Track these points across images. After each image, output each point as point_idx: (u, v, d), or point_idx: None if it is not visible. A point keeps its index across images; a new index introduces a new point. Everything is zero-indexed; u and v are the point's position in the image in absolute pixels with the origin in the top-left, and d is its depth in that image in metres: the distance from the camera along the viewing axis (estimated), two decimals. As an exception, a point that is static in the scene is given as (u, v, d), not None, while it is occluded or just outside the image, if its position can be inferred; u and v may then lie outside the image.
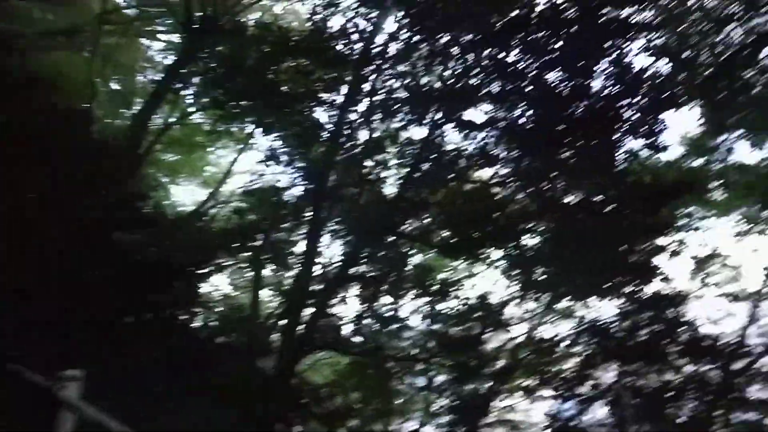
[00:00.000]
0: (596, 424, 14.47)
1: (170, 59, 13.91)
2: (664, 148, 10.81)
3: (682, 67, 10.03)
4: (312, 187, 12.02)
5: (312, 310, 11.54)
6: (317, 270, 12.10)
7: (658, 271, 12.11)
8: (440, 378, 15.14)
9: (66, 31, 11.78)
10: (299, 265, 12.41)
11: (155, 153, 13.83)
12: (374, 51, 11.12)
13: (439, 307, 13.60)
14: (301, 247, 12.50)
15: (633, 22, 9.64)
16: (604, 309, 13.03)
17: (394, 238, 12.53)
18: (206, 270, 12.14)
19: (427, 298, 13.46)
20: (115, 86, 14.93)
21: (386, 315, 13.04)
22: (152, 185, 12.05)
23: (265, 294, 13.85)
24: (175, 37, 13.90)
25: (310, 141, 11.42)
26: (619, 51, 9.97)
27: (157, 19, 14.71)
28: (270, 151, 11.75)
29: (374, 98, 11.31)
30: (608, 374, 13.38)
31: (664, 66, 10.15)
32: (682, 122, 11.83)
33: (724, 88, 10.32)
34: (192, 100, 12.59)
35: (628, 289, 12.27)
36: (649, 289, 12.23)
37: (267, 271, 13.32)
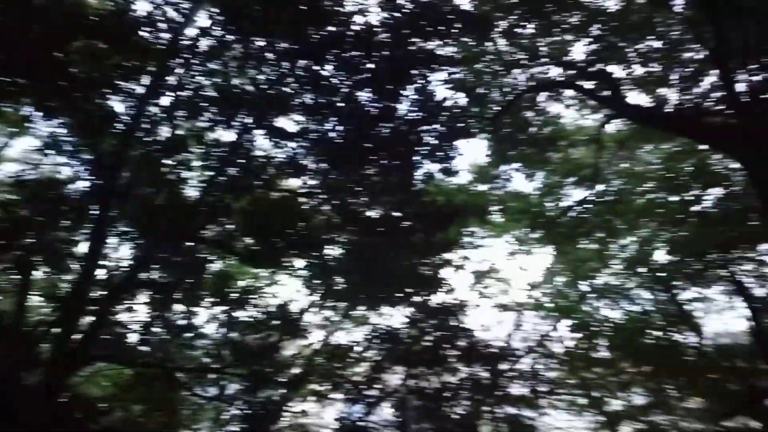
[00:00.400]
0: (382, 424, 15.24)
1: None
2: (456, 173, 11.83)
3: (474, 102, 11.07)
4: (99, 183, 10.87)
5: (91, 318, 10.44)
6: (100, 274, 10.98)
7: (443, 283, 13.25)
8: (233, 387, 14.70)
9: None
10: (79, 268, 11.15)
11: None
12: (183, 44, 10.47)
13: (236, 315, 13.22)
14: (83, 248, 11.22)
15: (437, 55, 10.40)
16: (396, 317, 13.81)
17: (192, 243, 11.88)
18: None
19: (225, 307, 13.00)
20: None
21: (177, 324, 12.29)
22: None
23: (35, 300, 12.13)
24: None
25: (100, 131, 10.29)
26: (423, 80, 10.68)
27: None
28: (50, 139, 10.35)
29: (179, 93, 10.64)
30: (395, 378, 14.19)
31: (460, 98, 11.09)
32: (472, 151, 13.08)
33: (507, 125, 11.64)
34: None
35: (416, 299, 13.21)
36: (435, 299, 13.29)
37: (39, 274, 11.67)
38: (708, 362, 13.92)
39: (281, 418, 15.48)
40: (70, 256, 11.64)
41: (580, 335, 14.76)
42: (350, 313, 14.35)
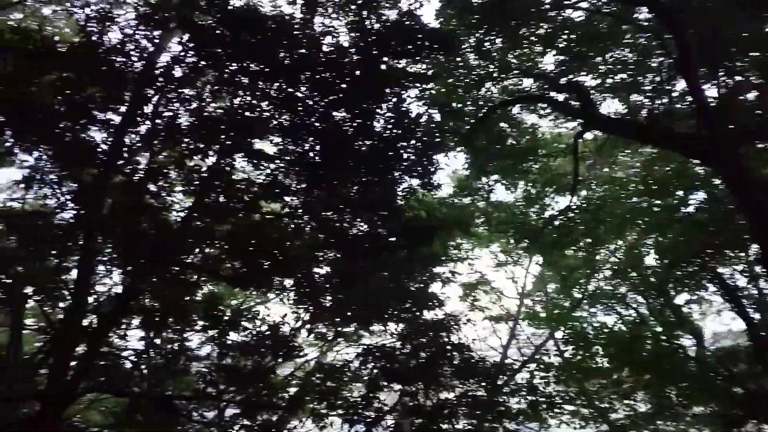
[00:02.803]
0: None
1: None
2: (438, 187, 11.89)
3: (449, 116, 11.18)
4: (83, 212, 11.02)
5: (85, 347, 10.53)
6: (91, 303, 11.09)
7: (433, 298, 13.22)
8: (230, 411, 14.65)
9: None
10: (69, 298, 11.27)
11: None
12: (156, 72, 10.66)
13: (228, 338, 13.23)
14: (71, 278, 11.35)
15: (408, 72, 10.54)
16: (387, 334, 13.75)
17: (179, 268, 11.96)
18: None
19: (215, 330, 13.02)
20: None
21: (170, 350, 12.31)
22: None
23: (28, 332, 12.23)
24: None
25: (80, 162, 10.45)
26: (396, 97, 10.80)
27: None
28: (32, 171, 10.53)
29: (156, 121, 10.81)
30: (391, 396, 14.10)
31: (435, 113, 11.19)
32: (451, 164, 13.18)
33: (483, 138, 11.74)
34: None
35: (407, 315, 13.18)
36: (426, 314, 13.24)
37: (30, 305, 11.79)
38: (709, 366, 13.80)
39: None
40: (61, 286, 11.79)
41: (576, 344, 14.66)
42: (341, 331, 14.33)
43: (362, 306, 13.28)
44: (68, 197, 11.14)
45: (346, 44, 10.23)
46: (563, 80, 10.09)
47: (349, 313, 13.60)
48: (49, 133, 9.42)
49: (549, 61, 10.40)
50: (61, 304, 11.93)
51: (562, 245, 13.54)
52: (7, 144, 10.24)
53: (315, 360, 14.81)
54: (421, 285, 13.41)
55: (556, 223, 13.36)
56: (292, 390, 14.11)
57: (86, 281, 11.12)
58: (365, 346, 13.90)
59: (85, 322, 11.21)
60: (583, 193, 12.83)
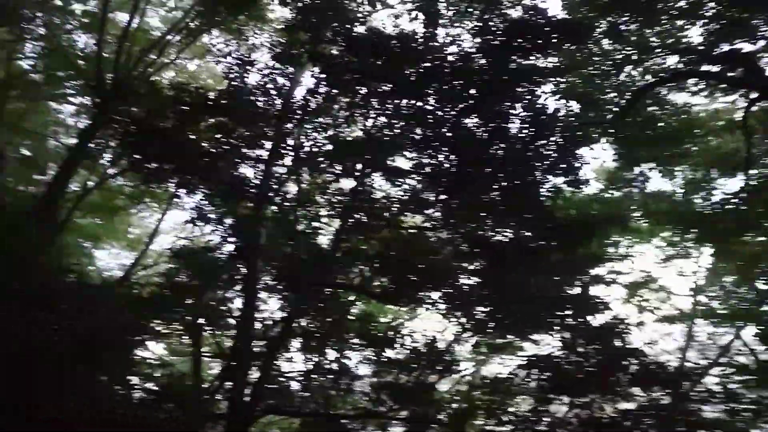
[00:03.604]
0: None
1: (83, 122, 13.73)
2: (585, 183, 11.18)
3: (590, 107, 10.47)
4: (244, 245, 11.87)
5: (257, 371, 11.30)
6: (258, 329, 11.89)
7: (596, 301, 12.33)
8: (395, 429, 14.80)
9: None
10: (238, 326, 12.18)
11: (75, 219, 13.46)
12: (294, 105, 11.25)
13: (385, 355, 13.43)
14: (237, 306, 12.28)
15: (540, 68, 10.06)
16: (550, 343, 13.06)
17: (333, 289, 12.43)
18: (140, 338, 11.75)
19: (373, 348, 13.29)
20: (25, 152, 14.61)
21: (333, 369, 12.76)
22: (73, 253, 11.65)
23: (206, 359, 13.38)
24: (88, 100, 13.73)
25: (236, 198, 11.30)
26: (530, 95, 10.36)
27: (66, 82, 14.52)
28: (196, 211, 11.57)
29: (299, 151, 11.39)
30: (562, 408, 13.34)
31: (574, 106, 10.55)
32: (599, 157, 12.27)
33: (630, 125, 10.82)
34: (110, 164, 12.34)
35: (569, 321, 12.42)
36: (590, 320, 12.38)
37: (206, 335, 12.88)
38: None
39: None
40: (228, 315, 12.80)
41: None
42: (498, 343, 13.90)
43: (517, 315, 12.82)
44: (229, 231, 12.08)
45: (471, 50, 9.99)
46: (717, 51, 8.98)
47: (504, 323, 13.20)
48: (210, 174, 10.29)
49: (694, 34, 9.31)
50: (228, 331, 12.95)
51: (737, 231, 12.01)
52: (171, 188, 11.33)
53: (473, 374, 14.48)
54: (582, 289, 12.55)
55: (728, 207, 11.89)
56: (455, 405, 13.89)
57: (251, 308, 11.99)
58: (527, 357, 13.36)
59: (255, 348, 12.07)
60: (756, 171, 11.28)
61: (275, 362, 12.16)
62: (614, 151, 11.42)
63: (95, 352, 10.23)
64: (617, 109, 10.59)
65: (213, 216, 11.79)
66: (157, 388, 12.14)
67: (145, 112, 10.06)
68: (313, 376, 13.05)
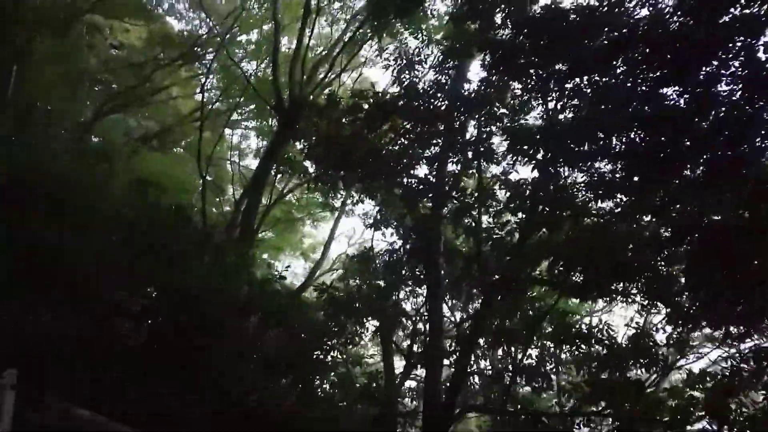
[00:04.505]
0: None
1: (257, 143, 14.59)
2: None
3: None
4: (423, 244, 11.75)
5: (452, 371, 11.16)
6: (448, 330, 11.76)
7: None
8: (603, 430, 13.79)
9: (158, 133, 12.71)
10: (428, 326, 12.14)
11: (260, 233, 14.40)
12: (466, 99, 10.84)
13: (583, 352, 12.54)
14: (424, 307, 12.23)
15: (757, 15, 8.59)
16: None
17: (522, 285, 11.84)
18: (334, 342, 12.18)
19: (569, 345, 12.47)
20: (208, 177, 15.94)
21: (529, 368, 12.18)
22: (261, 265, 12.39)
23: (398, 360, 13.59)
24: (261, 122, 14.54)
25: (416, 199, 11.21)
26: (745, 50, 8.90)
27: (245, 107, 15.56)
28: (377, 215, 11.70)
29: (476, 145, 10.97)
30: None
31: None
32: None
33: None
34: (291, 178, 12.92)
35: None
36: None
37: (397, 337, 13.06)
38: None
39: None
40: (417, 316, 12.80)
41: None
42: (710, 334, 12.35)
43: (734, 305, 11.20)
44: (409, 233, 12.05)
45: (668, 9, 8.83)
46: None
47: (719, 313, 11.61)
48: (391, 176, 10.28)
49: None
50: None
51: None
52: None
53: (684, 368, 13.03)
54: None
55: None
56: (671, 402, 12.57)
57: (436, 306, 11.87)
58: (752, 347, 11.66)
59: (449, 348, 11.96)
60: None
61: (468, 360, 11.92)
62: None
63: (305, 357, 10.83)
64: None
65: (392, 218, 11.87)
66: (355, 389, 12.58)
67: (326, 124, 10.33)
68: (507, 374, 12.61)
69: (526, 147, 10.50)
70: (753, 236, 10.46)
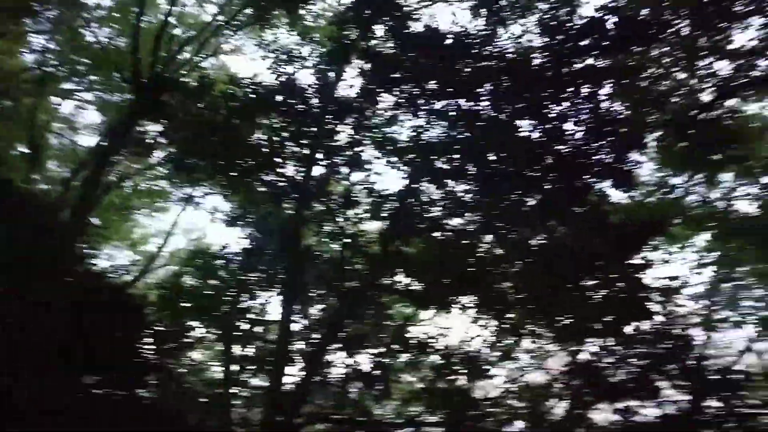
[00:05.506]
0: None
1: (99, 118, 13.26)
2: (635, 187, 11.01)
3: (646, 110, 10.31)
4: (284, 247, 11.48)
5: (296, 378, 10.95)
6: (298, 334, 11.54)
7: (642, 306, 12.12)
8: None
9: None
10: (277, 332, 11.80)
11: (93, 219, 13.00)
12: (341, 104, 10.91)
13: (421, 360, 13.09)
14: (276, 311, 11.89)
15: (602, 69, 9.85)
16: (592, 348, 12.81)
17: (374, 293, 12.08)
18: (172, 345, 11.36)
19: (409, 353, 12.93)
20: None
21: (371, 375, 12.37)
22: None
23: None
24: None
25: (281, 198, 10.93)
26: (589, 97, 10.14)
27: (89, 76, 14.08)
28: (234, 212, 11.19)
29: (345, 152, 11.05)
30: (602, 415, 13.08)
31: (630, 109, 10.37)
32: (649, 162, 12.11)
33: (685, 129, 10.69)
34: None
35: (614, 326, 12.20)
36: (636, 324, 12.17)
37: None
38: None
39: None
40: (266, 321, 12.36)
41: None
42: (538, 347, 13.64)
43: (559, 318, 12.56)
44: (266, 234, 11.65)
45: (535, 49, 9.75)
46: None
47: (546, 327, 12.94)
48: (259, 171, 9.89)
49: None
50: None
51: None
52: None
53: (511, 379, 14.18)
54: (628, 293, 12.31)
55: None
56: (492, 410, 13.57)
57: (290, 311, 11.63)
58: (569, 362, 13.11)
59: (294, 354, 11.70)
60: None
61: (317, 367, 11.80)
62: (663, 156, 11.29)
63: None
64: (669, 116, 10.43)
65: (252, 218, 11.42)
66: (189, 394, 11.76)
67: (197, 108, 9.63)
68: (353, 381, 12.69)
69: (395, 159, 10.86)
70: (581, 259, 11.98)
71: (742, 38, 9.55)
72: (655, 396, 12.29)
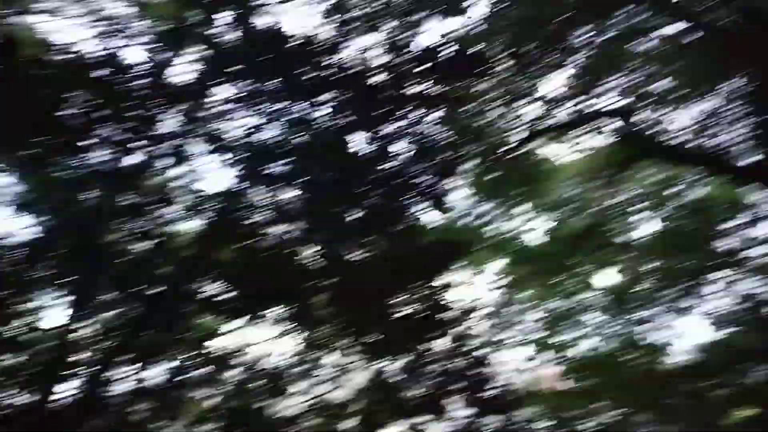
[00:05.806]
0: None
1: None
2: (447, 210, 11.82)
3: (467, 139, 11.23)
4: (77, 240, 10.04)
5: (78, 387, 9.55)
6: (82, 338, 10.10)
7: (440, 325, 12.91)
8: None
9: None
10: (53, 334, 10.22)
11: None
12: (169, 89, 10.04)
13: (221, 374, 12.31)
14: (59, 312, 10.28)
15: (433, 95, 10.50)
16: (392, 365, 13.25)
17: (179, 300, 11.12)
18: None
19: (209, 366, 12.08)
20: None
21: (163, 391, 11.27)
22: None
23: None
24: None
25: (82, 186, 9.59)
26: (417, 120, 10.72)
27: None
28: (25, 197, 9.54)
29: (167, 142, 10.12)
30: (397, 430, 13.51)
31: (454, 137, 11.20)
32: (462, 188, 13.21)
33: (494, 162, 11.88)
34: None
35: (413, 344, 12.79)
36: (433, 343, 12.91)
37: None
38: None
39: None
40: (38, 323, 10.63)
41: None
42: (341, 363, 13.74)
43: (363, 335, 12.81)
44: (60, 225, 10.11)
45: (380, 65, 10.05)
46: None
47: (349, 345, 13.08)
48: (65, 153, 8.56)
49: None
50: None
51: (555, 269, 13.81)
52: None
53: (311, 396, 14.02)
54: (428, 311, 13.07)
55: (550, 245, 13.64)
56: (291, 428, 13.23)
57: (75, 315, 10.21)
58: (367, 379, 13.35)
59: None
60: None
61: (100, 378, 10.42)
62: (475, 185, 12.39)
63: None
64: (485, 146, 11.52)
65: (45, 205, 9.81)
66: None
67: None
68: (140, 398, 11.42)
69: (222, 157, 10.25)
70: (391, 277, 12.45)
71: (552, 85, 10.98)
72: (441, 413, 13.22)
